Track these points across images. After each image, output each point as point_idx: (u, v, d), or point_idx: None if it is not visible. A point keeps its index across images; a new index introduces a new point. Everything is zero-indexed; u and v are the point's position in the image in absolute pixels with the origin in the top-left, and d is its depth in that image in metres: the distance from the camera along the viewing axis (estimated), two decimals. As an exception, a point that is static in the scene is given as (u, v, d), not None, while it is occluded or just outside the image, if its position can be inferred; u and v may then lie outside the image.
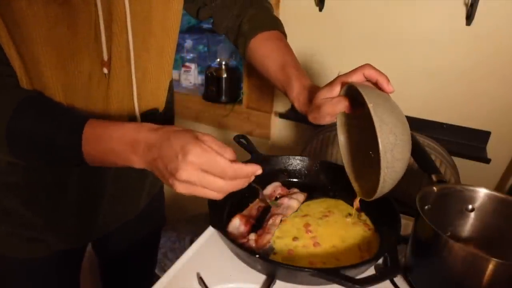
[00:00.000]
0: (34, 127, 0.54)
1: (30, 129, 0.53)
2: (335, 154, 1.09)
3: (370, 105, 0.55)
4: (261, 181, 0.70)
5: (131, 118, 0.69)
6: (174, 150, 0.48)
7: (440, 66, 1.22)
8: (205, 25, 2.01)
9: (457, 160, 1.10)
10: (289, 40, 0.83)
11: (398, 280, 0.65)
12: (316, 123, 0.67)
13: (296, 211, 0.76)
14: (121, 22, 0.60)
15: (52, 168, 0.66)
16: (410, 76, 1.26)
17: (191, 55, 1.91)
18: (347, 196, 0.78)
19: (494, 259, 0.52)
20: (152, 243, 1.05)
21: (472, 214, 0.69)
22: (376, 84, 0.61)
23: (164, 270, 1.09)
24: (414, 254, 0.64)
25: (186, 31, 2.03)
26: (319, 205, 0.79)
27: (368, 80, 0.62)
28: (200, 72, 1.88)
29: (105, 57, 0.61)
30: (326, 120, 0.65)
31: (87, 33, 0.58)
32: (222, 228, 0.69)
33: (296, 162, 0.88)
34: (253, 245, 0.66)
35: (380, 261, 0.66)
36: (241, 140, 0.87)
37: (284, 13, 1.37)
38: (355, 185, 0.71)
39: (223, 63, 1.62)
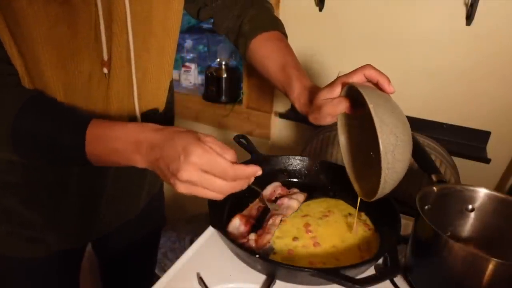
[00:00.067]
0: (39, 127, 0.54)
1: (34, 128, 0.54)
2: (335, 154, 1.09)
3: (370, 106, 0.55)
4: (261, 181, 0.70)
5: (131, 118, 0.69)
6: (176, 150, 0.48)
7: (440, 66, 1.22)
8: (205, 25, 2.01)
9: (457, 160, 1.10)
10: (289, 40, 0.83)
11: (398, 280, 0.65)
12: (316, 124, 0.67)
13: (296, 211, 0.76)
14: (121, 22, 0.60)
15: (52, 168, 0.66)
16: (410, 76, 1.26)
17: (191, 55, 1.91)
18: (347, 196, 0.78)
19: (494, 259, 0.52)
20: (152, 243, 1.05)
21: (472, 214, 0.69)
22: (376, 85, 0.61)
23: (164, 270, 1.09)
24: (414, 254, 0.64)
25: (186, 31, 2.03)
26: (319, 205, 0.79)
27: (368, 80, 0.62)
28: (200, 72, 1.88)
29: (105, 57, 0.61)
30: (327, 120, 0.65)
31: (87, 33, 0.58)
32: (222, 228, 0.69)
33: (296, 162, 0.88)
34: (253, 245, 0.66)
35: (380, 261, 0.66)
36: (241, 140, 0.87)
37: (284, 13, 1.37)
38: (355, 186, 0.70)
39: (223, 63, 1.61)
